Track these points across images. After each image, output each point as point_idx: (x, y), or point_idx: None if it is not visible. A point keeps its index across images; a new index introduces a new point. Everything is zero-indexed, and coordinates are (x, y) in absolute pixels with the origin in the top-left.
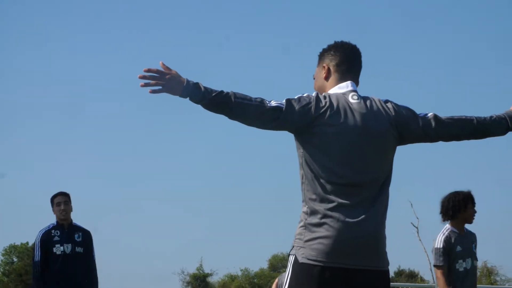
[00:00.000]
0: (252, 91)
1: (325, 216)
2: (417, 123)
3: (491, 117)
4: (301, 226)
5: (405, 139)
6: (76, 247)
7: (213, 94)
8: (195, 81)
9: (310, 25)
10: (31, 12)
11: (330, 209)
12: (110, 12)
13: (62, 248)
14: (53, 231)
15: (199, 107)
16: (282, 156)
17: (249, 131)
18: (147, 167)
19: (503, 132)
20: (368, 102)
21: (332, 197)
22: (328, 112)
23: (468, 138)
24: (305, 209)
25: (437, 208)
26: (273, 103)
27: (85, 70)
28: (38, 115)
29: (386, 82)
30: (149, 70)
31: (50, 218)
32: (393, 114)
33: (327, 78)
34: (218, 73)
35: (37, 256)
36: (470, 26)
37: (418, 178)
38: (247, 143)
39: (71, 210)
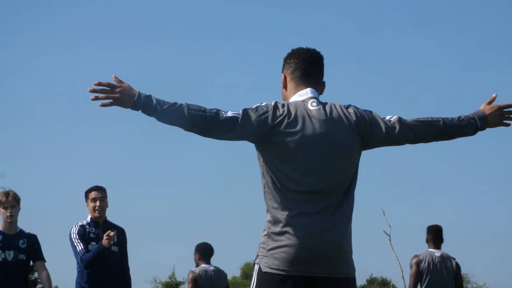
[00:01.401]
0: (252, 92)
1: (287, 224)
2: (380, 127)
3: (459, 117)
4: (265, 235)
5: (368, 144)
6: (112, 246)
7: (165, 107)
8: (147, 94)
9: (312, 25)
10: (40, 11)
11: (292, 218)
12: (109, 13)
13: None
14: (87, 227)
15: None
16: (254, 164)
17: (214, 141)
18: (125, 173)
19: (472, 133)
20: (328, 108)
21: (293, 206)
22: (285, 121)
23: (436, 140)
24: (268, 218)
25: (409, 216)
26: (229, 114)
27: (87, 70)
28: (39, 115)
29: (389, 81)
30: (99, 84)
31: (46, 224)
32: (354, 119)
33: (285, 87)
34: (218, 73)
35: (80, 246)
36: (475, 25)
37: (390, 186)
38: (222, 152)
39: (107, 206)
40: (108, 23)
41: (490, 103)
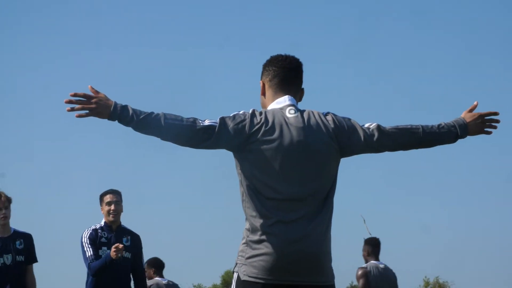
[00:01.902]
0: (253, 93)
1: (265, 233)
2: (358, 134)
3: (439, 125)
4: (243, 243)
5: (347, 151)
6: (124, 252)
7: (142, 116)
8: (123, 104)
9: (314, 25)
10: (41, 12)
11: (270, 226)
12: (108, 13)
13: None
14: (100, 231)
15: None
16: (234, 172)
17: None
18: (111, 178)
19: (452, 141)
20: (306, 116)
21: (271, 214)
22: (262, 129)
23: (415, 148)
24: (247, 226)
25: (389, 223)
26: (206, 122)
27: (85, 69)
28: (38, 115)
29: (386, 85)
30: (75, 95)
31: (42, 228)
32: (333, 126)
33: (264, 94)
34: (218, 74)
35: (89, 251)
36: (475, 27)
37: (371, 193)
38: (201, 160)
39: (121, 210)
40: (103, 20)
41: (471, 110)
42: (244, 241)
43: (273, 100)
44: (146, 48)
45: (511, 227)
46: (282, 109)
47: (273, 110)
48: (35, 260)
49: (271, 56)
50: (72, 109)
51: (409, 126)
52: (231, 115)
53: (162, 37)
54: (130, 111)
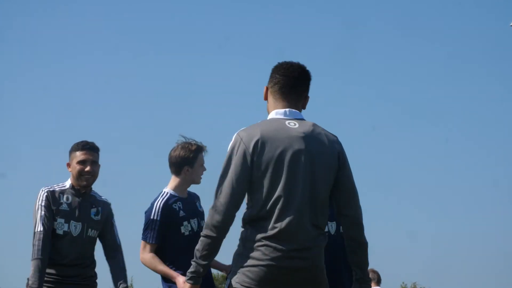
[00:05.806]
0: (253, 93)
1: (262, 243)
2: (343, 194)
3: (354, 267)
4: (239, 251)
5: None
6: None
7: (199, 255)
8: (190, 275)
9: (306, 26)
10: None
11: (266, 237)
12: (106, 14)
13: None
14: None
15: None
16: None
17: None
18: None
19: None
20: (307, 127)
21: (269, 224)
22: (259, 147)
23: (348, 236)
24: (243, 234)
25: (374, 229)
26: (223, 198)
27: (82, 69)
28: (35, 114)
29: (382, 85)
30: None
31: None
32: (339, 150)
33: (266, 99)
34: (218, 74)
35: None
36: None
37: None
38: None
39: None
40: (100, 21)
41: None
42: (239, 249)
43: (273, 108)
44: (141, 47)
45: (494, 235)
46: (280, 121)
47: (271, 121)
48: None
49: (278, 63)
50: None
51: (354, 246)
52: (232, 164)
53: (159, 36)
54: (194, 268)
